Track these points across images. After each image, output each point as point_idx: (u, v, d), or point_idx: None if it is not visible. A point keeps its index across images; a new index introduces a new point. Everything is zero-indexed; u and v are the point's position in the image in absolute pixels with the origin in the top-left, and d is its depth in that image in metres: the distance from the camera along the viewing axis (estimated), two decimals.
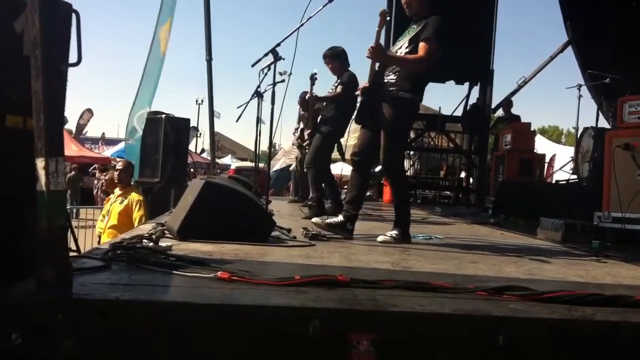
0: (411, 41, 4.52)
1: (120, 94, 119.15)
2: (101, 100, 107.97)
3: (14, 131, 2.25)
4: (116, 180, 7.10)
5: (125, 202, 6.72)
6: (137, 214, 6.63)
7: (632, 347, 2.12)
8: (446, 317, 2.12)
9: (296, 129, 8.88)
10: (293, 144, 9.68)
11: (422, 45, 4.39)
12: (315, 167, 6.87)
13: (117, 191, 7.04)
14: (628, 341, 2.13)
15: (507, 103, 12.65)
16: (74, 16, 2.49)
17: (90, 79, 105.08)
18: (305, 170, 7.36)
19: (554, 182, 12.78)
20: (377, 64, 4.60)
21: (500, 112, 13.32)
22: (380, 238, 4.42)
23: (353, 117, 5.31)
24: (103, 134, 36.70)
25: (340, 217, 4.65)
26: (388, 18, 4.46)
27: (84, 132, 36.35)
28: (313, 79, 7.21)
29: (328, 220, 4.65)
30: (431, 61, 4.44)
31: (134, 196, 6.76)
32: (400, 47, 4.60)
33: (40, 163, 2.00)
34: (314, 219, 4.77)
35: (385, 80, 4.57)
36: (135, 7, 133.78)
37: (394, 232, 4.48)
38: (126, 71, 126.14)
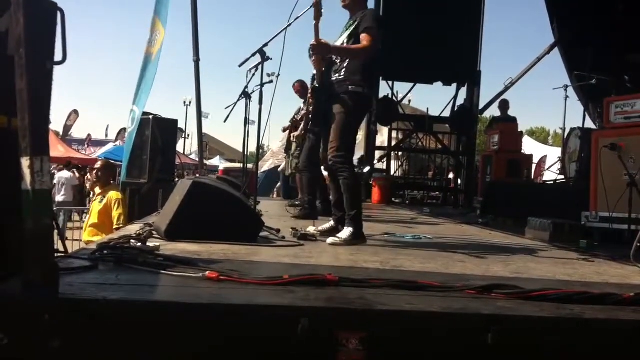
0: (351, 36, 4.53)
1: (108, 96, 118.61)
2: (89, 102, 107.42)
3: None
4: (94, 179, 7.14)
5: (105, 200, 6.75)
6: (115, 213, 6.64)
7: (620, 344, 2.13)
8: (435, 315, 2.12)
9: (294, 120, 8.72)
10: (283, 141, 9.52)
11: (364, 35, 4.39)
12: (309, 170, 6.83)
13: (97, 190, 7.07)
14: (616, 338, 2.14)
15: (503, 104, 12.69)
16: (59, 15, 2.47)
17: (77, 80, 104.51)
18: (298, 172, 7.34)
19: (542, 182, 12.86)
20: (323, 65, 4.61)
21: (492, 112, 13.39)
22: (330, 240, 4.22)
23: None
24: (89, 135, 36.46)
25: (331, 223, 4.67)
26: (322, 10, 4.39)
27: (69, 133, 36.11)
28: (314, 79, 7.13)
29: (320, 228, 4.65)
30: (375, 49, 4.43)
31: (113, 195, 6.78)
32: (342, 44, 4.60)
33: (25, 162, 1.98)
34: (309, 229, 4.70)
35: (334, 79, 4.57)
36: (126, 9, 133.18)
37: (346, 233, 4.26)
38: (114, 72, 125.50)
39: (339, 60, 4.59)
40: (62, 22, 2.45)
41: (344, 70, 4.51)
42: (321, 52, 4.50)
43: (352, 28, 4.53)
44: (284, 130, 9.54)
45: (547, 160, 16.78)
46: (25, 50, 2.00)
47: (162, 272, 2.52)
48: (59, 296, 1.97)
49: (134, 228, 4.38)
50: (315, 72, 6.47)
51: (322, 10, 4.40)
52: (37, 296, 1.93)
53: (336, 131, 4.41)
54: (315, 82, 4.82)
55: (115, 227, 6.37)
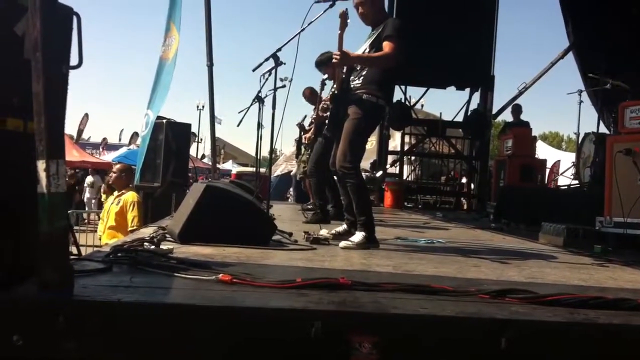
0: (372, 44, 4.51)
1: (122, 100, 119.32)
2: (102, 106, 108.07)
3: (14, 134, 2.25)
4: (110, 182, 7.20)
5: (121, 203, 6.82)
6: (130, 215, 6.71)
7: (635, 350, 2.11)
8: (448, 319, 2.11)
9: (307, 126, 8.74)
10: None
11: (385, 43, 4.37)
12: (318, 174, 6.79)
13: (115, 193, 7.15)
14: (630, 344, 2.12)
15: (516, 108, 12.63)
16: (75, 19, 2.49)
17: (92, 84, 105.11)
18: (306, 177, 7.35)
19: (555, 187, 12.79)
20: (344, 70, 4.61)
21: (505, 117, 13.33)
22: (342, 244, 4.21)
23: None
24: (104, 139, 36.63)
25: (344, 226, 4.70)
26: (349, 20, 4.41)
27: (82, 137, 36.28)
28: (323, 84, 7.14)
29: (333, 231, 4.67)
30: (397, 58, 4.39)
31: (128, 197, 6.85)
32: (363, 52, 4.58)
33: (41, 165, 2.00)
34: (322, 232, 4.72)
35: (352, 85, 4.57)
36: (140, 13, 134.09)
37: (359, 237, 4.27)
38: (130, 77, 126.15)
39: (359, 67, 4.60)
40: (78, 26, 2.48)
41: (362, 77, 4.52)
42: (343, 62, 4.48)
43: (374, 36, 4.52)
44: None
45: (561, 165, 16.67)
46: (41, 54, 2.02)
47: (176, 274, 2.54)
48: (74, 298, 1.99)
49: (147, 231, 4.41)
50: (323, 77, 6.46)
51: (348, 21, 4.41)
52: (52, 298, 1.95)
53: (345, 137, 4.42)
54: (334, 89, 4.82)
55: (129, 229, 6.42)
